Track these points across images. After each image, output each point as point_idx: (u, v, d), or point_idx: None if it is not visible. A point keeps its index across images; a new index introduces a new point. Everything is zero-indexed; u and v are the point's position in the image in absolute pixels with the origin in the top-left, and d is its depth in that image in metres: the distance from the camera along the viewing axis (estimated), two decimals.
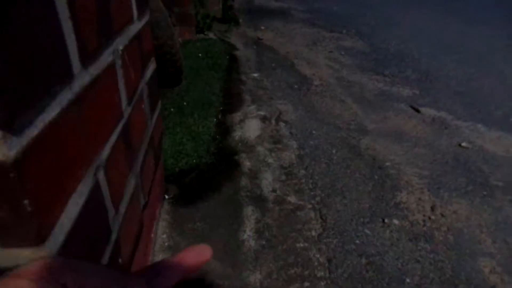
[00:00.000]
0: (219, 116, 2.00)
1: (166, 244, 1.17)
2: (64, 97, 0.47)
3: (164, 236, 1.19)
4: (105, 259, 0.62)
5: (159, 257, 1.11)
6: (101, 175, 0.61)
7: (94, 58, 0.58)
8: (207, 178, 1.48)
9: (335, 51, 3.55)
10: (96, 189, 0.58)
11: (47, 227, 0.42)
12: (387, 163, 1.78)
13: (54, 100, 0.43)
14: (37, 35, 0.39)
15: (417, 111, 2.42)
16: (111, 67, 0.67)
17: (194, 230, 1.23)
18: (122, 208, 0.74)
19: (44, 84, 0.41)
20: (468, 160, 1.90)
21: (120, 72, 0.74)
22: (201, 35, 3.43)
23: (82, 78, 0.53)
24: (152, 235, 1.15)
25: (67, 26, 0.47)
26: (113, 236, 0.67)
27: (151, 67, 1.09)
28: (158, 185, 1.23)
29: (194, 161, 1.55)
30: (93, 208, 0.57)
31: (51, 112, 0.42)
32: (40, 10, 0.40)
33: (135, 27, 0.88)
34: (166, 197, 1.36)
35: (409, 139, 2.04)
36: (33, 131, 0.38)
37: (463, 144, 2.04)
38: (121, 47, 0.74)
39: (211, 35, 3.49)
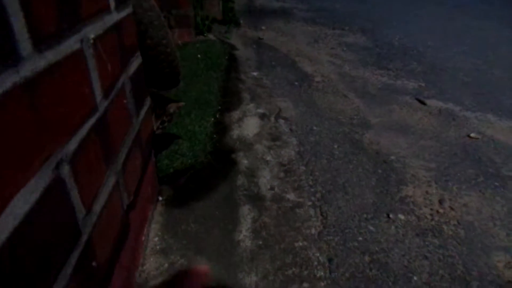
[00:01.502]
0: (217, 115, 1.95)
1: (158, 247, 1.12)
2: (7, 79, 0.42)
3: (156, 239, 1.14)
4: (71, 262, 0.57)
5: (150, 260, 1.06)
6: (65, 171, 0.56)
7: (53, 43, 0.54)
8: (203, 178, 1.43)
9: (337, 47, 3.48)
10: (56, 185, 0.53)
11: None
12: (392, 157, 1.71)
13: None
14: None
15: (423, 103, 2.34)
16: (77, 55, 0.63)
17: (187, 232, 1.18)
18: (97, 208, 0.69)
19: None
20: (478, 151, 1.81)
21: (91, 63, 0.69)
22: (201, 37, 3.40)
23: (35, 62, 0.48)
24: (143, 237, 1.10)
25: (12, 2, 0.43)
26: (84, 238, 0.62)
27: (135, 62, 1.04)
28: (149, 186, 1.19)
29: (190, 161, 1.50)
30: (53, 206, 0.52)
31: None
32: None
33: (111, 18, 0.83)
34: (160, 198, 1.31)
35: (414, 132, 1.97)
36: None
37: (472, 135, 1.95)
38: (92, 36, 0.70)
39: (210, 36, 3.46)
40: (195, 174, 1.45)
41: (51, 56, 0.53)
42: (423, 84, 2.64)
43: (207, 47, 3.02)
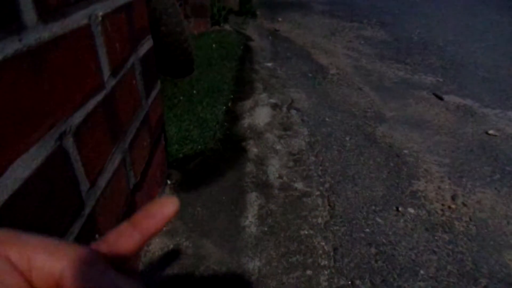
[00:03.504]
0: (229, 104, 1.95)
1: (164, 228, 1.13)
2: (8, 46, 0.43)
3: None
4: (74, 231, 0.58)
5: (155, 241, 1.07)
6: (69, 142, 0.57)
7: (58, 16, 0.54)
8: (211, 164, 1.43)
9: (354, 40, 3.42)
10: (59, 156, 0.54)
11: None
12: (405, 151, 1.67)
13: None
14: None
15: (441, 98, 2.28)
16: (85, 31, 0.63)
17: (193, 216, 1.18)
18: (102, 182, 0.70)
19: None
20: (496, 148, 1.75)
21: (99, 40, 0.70)
22: (217, 27, 3.39)
23: (39, 33, 0.49)
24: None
25: None
26: (87, 210, 0.63)
27: (146, 44, 1.05)
28: (157, 169, 1.20)
29: (199, 147, 1.51)
30: (55, 176, 0.53)
31: None
32: None
33: None
34: (168, 182, 1.33)
35: (430, 127, 1.92)
36: None
37: (491, 132, 1.89)
38: (101, 13, 0.70)
39: (226, 27, 3.46)
40: (204, 160, 1.46)
41: (57, 28, 0.54)
42: (441, 79, 2.57)
43: (222, 37, 3.02)
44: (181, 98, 1.95)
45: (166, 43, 1.91)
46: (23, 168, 0.45)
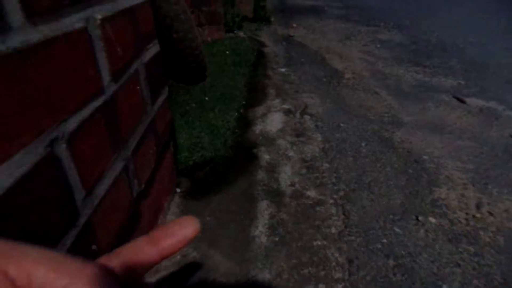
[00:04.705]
0: (241, 110, 1.92)
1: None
2: None
3: None
4: (67, 242, 0.55)
5: None
6: (61, 149, 0.54)
7: (50, 18, 0.52)
8: (222, 172, 1.40)
9: (370, 44, 3.35)
10: (50, 163, 0.51)
11: None
12: (425, 157, 1.59)
13: None
14: None
15: (462, 101, 2.18)
16: (81, 34, 0.61)
17: (203, 225, 1.14)
18: (100, 191, 0.67)
19: None
20: None
21: (98, 44, 0.68)
22: (231, 34, 3.39)
23: (27, 35, 0.47)
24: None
25: None
26: (82, 219, 0.60)
27: (152, 50, 1.03)
28: (165, 176, 1.17)
29: (210, 154, 1.48)
30: (45, 184, 0.50)
31: None
32: None
33: (124, 1, 0.82)
34: (178, 190, 1.30)
35: (451, 131, 1.83)
36: None
37: None
38: (99, 17, 0.68)
39: (240, 34, 3.45)
40: (215, 167, 1.42)
41: (48, 31, 0.51)
42: (462, 82, 2.46)
43: (236, 44, 3.01)
44: (193, 105, 1.94)
45: (177, 50, 1.91)
46: (6, 176, 0.42)
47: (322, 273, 0.99)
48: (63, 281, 0.17)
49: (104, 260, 0.19)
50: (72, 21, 0.58)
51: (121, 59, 0.79)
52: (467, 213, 1.27)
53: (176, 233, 0.21)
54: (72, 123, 0.57)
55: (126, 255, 0.20)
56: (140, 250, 0.20)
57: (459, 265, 1.06)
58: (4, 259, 0.16)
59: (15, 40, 0.45)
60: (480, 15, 4.44)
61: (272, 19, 4.16)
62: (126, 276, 0.19)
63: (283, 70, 2.59)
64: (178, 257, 1.03)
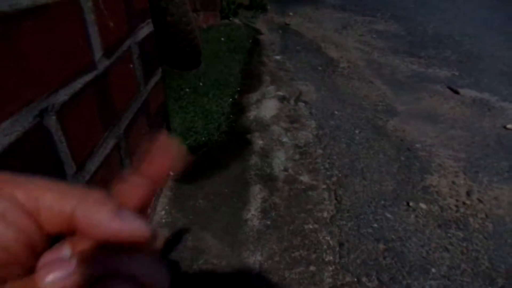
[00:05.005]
0: (235, 96, 1.91)
1: (164, 220, 1.09)
2: None
3: (163, 212, 1.12)
4: None
5: None
6: (51, 121, 0.53)
7: None
8: (215, 156, 1.39)
9: (366, 34, 3.34)
10: (38, 134, 0.50)
11: None
12: (417, 145, 1.60)
13: None
14: None
15: (456, 92, 2.19)
16: (71, 4, 0.60)
17: (195, 208, 1.15)
18: (91, 167, 0.66)
19: None
20: None
21: (89, 16, 0.66)
22: (226, 21, 3.35)
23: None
24: (149, 210, 1.08)
25: None
26: None
27: (145, 29, 1.01)
28: None
29: (203, 139, 1.47)
30: (33, 154, 0.49)
31: None
32: None
33: None
34: (171, 173, 1.29)
35: (444, 121, 1.84)
36: None
37: (509, 126, 1.80)
38: None
39: (236, 20, 3.41)
40: (208, 152, 1.42)
41: None
42: (456, 73, 2.47)
43: (231, 31, 2.98)
44: (187, 90, 1.92)
45: (171, 34, 1.88)
46: None
47: (313, 255, 1.00)
48: (71, 203, 0.17)
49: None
50: None
51: (113, 35, 0.77)
52: (457, 200, 1.29)
53: (161, 161, 0.21)
54: (62, 95, 0.56)
55: (121, 192, 0.20)
56: (133, 184, 0.20)
57: (447, 250, 1.08)
58: (12, 186, 0.17)
59: (3, 4, 0.43)
60: (477, 8, 4.44)
61: (268, 7, 4.12)
62: (132, 243, 0.18)
63: (278, 57, 2.57)
64: (170, 238, 1.03)
